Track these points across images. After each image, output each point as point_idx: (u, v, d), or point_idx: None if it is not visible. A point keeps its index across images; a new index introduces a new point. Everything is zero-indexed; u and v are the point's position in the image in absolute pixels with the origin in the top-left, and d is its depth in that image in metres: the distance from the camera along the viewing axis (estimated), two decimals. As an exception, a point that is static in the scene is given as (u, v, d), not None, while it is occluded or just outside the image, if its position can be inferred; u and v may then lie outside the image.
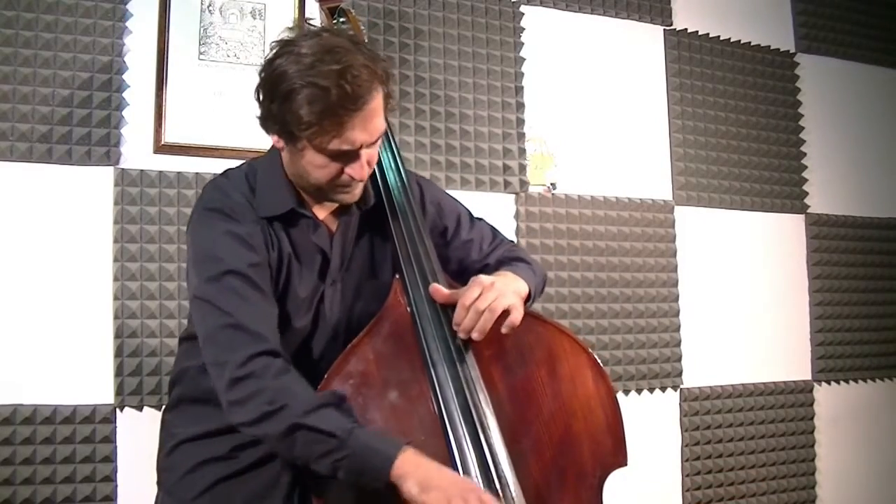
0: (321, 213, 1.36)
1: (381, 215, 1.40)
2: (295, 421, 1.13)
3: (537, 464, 1.25)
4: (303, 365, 1.32)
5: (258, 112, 1.26)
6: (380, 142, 1.28)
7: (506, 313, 1.26)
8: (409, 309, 1.33)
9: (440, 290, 1.31)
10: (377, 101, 1.21)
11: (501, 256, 1.48)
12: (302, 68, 1.17)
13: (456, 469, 1.19)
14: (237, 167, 1.39)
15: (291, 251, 1.32)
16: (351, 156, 1.23)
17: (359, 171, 1.24)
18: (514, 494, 1.18)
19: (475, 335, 1.25)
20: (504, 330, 1.26)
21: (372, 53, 1.23)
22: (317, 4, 1.89)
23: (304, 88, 1.16)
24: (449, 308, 1.29)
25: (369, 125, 1.21)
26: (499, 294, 1.25)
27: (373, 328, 1.31)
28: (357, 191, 1.31)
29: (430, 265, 1.35)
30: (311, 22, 1.50)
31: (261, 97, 1.24)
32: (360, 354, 1.28)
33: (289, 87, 1.17)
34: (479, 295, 1.24)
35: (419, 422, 1.24)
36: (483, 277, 1.28)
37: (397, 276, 1.36)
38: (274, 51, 1.23)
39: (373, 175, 1.39)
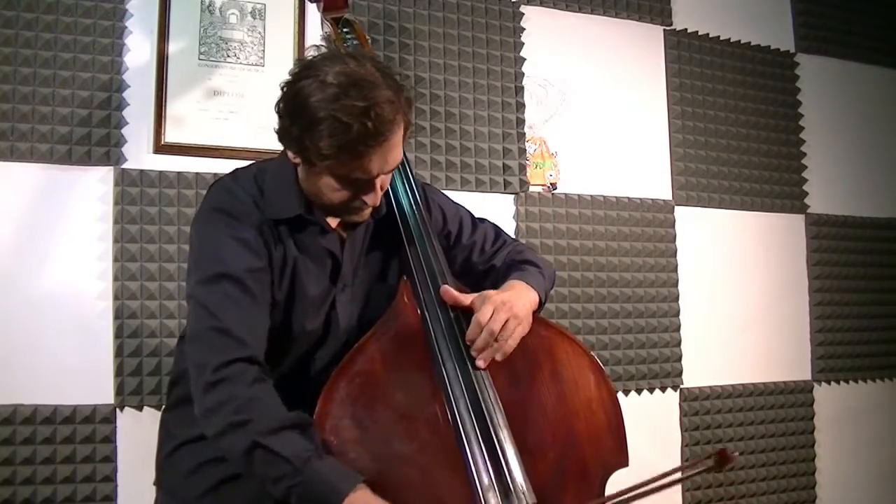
0: (332, 220, 1.36)
1: (392, 222, 1.41)
2: (255, 439, 1.13)
3: (541, 463, 1.25)
4: (313, 371, 1.33)
5: (277, 126, 1.25)
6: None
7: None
8: (417, 310, 1.33)
9: (450, 291, 1.31)
10: (398, 135, 1.22)
11: (508, 259, 1.48)
12: (326, 98, 1.16)
13: (467, 466, 1.19)
14: (246, 167, 1.39)
15: (298, 253, 1.32)
16: (366, 183, 1.24)
17: (373, 197, 1.26)
18: (524, 491, 1.18)
19: (485, 356, 1.26)
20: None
21: (396, 84, 1.23)
22: (315, 5, 1.88)
23: (326, 120, 1.15)
24: (459, 310, 1.31)
25: (389, 157, 1.22)
26: (510, 315, 1.26)
27: (379, 328, 1.31)
28: (367, 213, 1.32)
29: (440, 267, 1.36)
30: (322, 40, 1.48)
31: (281, 114, 1.23)
32: (366, 354, 1.28)
33: (312, 117, 1.17)
34: (492, 314, 1.25)
35: (427, 420, 1.24)
36: (496, 296, 1.29)
37: (405, 278, 1.37)
38: (298, 70, 1.22)
39: None
